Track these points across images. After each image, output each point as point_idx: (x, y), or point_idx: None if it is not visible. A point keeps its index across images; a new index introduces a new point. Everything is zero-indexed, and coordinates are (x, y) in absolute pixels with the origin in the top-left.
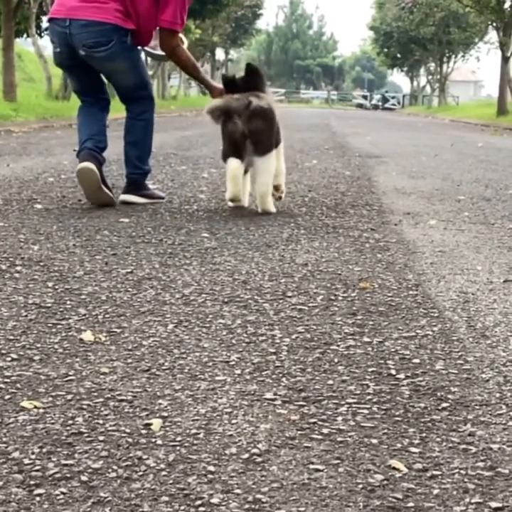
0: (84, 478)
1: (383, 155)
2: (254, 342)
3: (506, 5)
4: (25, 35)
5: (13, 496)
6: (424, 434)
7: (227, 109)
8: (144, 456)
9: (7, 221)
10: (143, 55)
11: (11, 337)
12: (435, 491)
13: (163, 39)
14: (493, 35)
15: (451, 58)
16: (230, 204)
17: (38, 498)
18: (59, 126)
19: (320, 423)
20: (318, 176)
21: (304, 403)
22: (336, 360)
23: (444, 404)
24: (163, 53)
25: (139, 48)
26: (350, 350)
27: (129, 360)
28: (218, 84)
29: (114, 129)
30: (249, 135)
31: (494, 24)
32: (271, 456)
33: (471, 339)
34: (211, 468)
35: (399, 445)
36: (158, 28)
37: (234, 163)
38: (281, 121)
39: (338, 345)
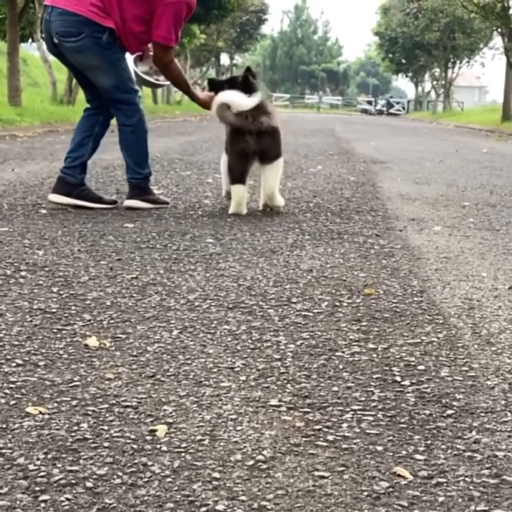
0: (89, 484)
1: (388, 161)
2: (259, 348)
3: (511, 11)
4: (30, 40)
5: (18, 502)
6: (429, 442)
7: (242, 128)
8: (149, 463)
9: (12, 226)
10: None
11: (16, 342)
12: (440, 499)
13: (157, 54)
14: (498, 41)
15: (456, 64)
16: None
17: (43, 505)
18: (64, 130)
19: (325, 430)
20: (322, 182)
21: (308, 410)
22: (340, 366)
23: (449, 412)
24: (156, 81)
25: (134, 69)
26: (355, 356)
27: (134, 366)
28: (205, 95)
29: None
30: (259, 151)
31: (499, 30)
32: (276, 462)
33: (476, 346)
34: (216, 474)
35: (404, 452)
36: (151, 45)
37: (241, 190)
38: (284, 129)
39: (343, 352)
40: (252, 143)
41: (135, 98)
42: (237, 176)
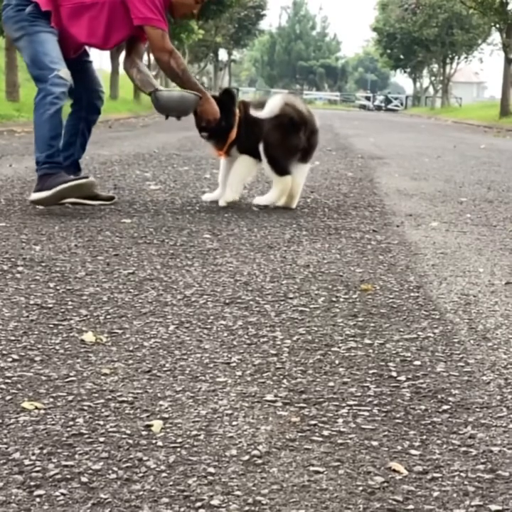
0: (84, 479)
1: (386, 156)
2: (256, 343)
3: (510, 6)
4: None
5: (13, 497)
6: (424, 437)
7: (305, 120)
8: (145, 458)
9: (9, 221)
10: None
11: (13, 338)
12: (435, 494)
13: (153, 43)
14: (496, 37)
15: (454, 59)
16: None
17: (38, 499)
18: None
19: (320, 425)
20: (320, 177)
21: (304, 405)
22: (336, 361)
23: (445, 407)
24: (189, 92)
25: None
26: (351, 352)
27: (130, 361)
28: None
29: (116, 130)
30: (306, 149)
31: (497, 26)
32: (271, 457)
33: (472, 341)
34: (211, 469)
35: (399, 447)
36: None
37: (291, 181)
38: None
39: (339, 347)
40: (304, 140)
41: (46, 76)
42: (287, 166)
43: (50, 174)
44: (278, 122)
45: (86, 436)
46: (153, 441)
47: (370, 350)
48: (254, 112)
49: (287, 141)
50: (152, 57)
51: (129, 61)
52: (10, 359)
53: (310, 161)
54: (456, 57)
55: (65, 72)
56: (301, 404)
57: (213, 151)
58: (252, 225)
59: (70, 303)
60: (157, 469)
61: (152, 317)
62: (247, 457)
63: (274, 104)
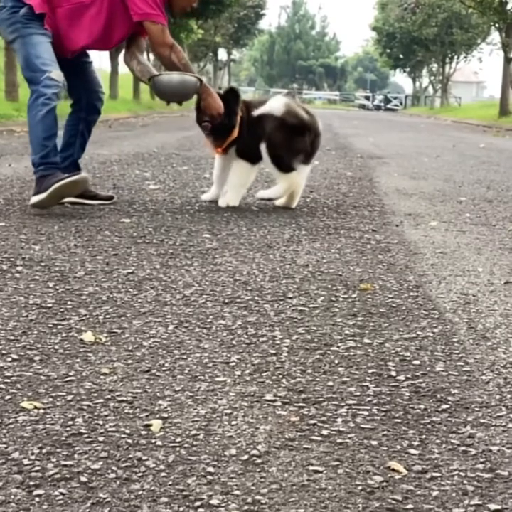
0: (83, 478)
1: (385, 156)
2: (255, 343)
3: (509, 6)
4: None
5: (12, 497)
6: (423, 436)
7: (308, 126)
8: (144, 457)
9: (8, 221)
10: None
11: (12, 337)
12: (434, 493)
13: (153, 38)
14: (495, 36)
15: (453, 59)
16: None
17: (37, 499)
18: (61, 125)
19: (320, 424)
20: (319, 177)
21: (303, 404)
22: (336, 361)
23: (444, 406)
24: (185, 74)
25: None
26: (350, 351)
27: (130, 361)
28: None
29: (116, 130)
30: (310, 151)
31: (497, 25)
32: (270, 457)
33: (471, 341)
34: (211, 469)
35: (398, 447)
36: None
37: (296, 175)
38: None
39: (338, 347)
40: (308, 143)
41: (38, 78)
42: (292, 163)
43: (46, 175)
44: (280, 123)
45: (85, 435)
46: (153, 440)
47: (370, 350)
48: (255, 112)
49: (290, 140)
50: (152, 56)
51: (129, 54)
52: (9, 359)
53: (311, 163)
54: (456, 57)
55: (56, 74)
56: (301, 404)
57: (211, 147)
58: (251, 225)
59: (69, 302)
60: (156, 469)
61: (151, 317)
62: (246, 457)
63: (275, 103)
